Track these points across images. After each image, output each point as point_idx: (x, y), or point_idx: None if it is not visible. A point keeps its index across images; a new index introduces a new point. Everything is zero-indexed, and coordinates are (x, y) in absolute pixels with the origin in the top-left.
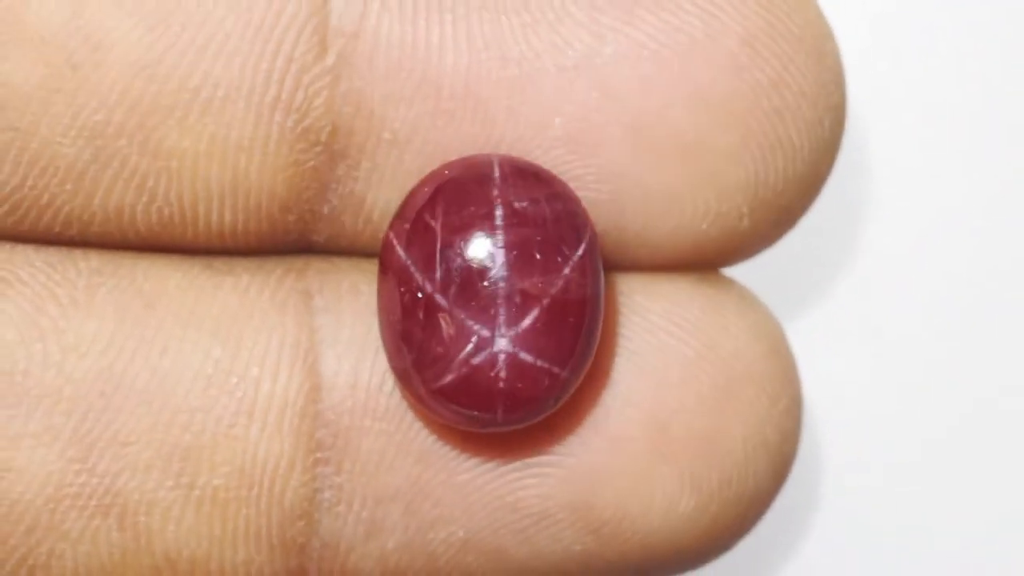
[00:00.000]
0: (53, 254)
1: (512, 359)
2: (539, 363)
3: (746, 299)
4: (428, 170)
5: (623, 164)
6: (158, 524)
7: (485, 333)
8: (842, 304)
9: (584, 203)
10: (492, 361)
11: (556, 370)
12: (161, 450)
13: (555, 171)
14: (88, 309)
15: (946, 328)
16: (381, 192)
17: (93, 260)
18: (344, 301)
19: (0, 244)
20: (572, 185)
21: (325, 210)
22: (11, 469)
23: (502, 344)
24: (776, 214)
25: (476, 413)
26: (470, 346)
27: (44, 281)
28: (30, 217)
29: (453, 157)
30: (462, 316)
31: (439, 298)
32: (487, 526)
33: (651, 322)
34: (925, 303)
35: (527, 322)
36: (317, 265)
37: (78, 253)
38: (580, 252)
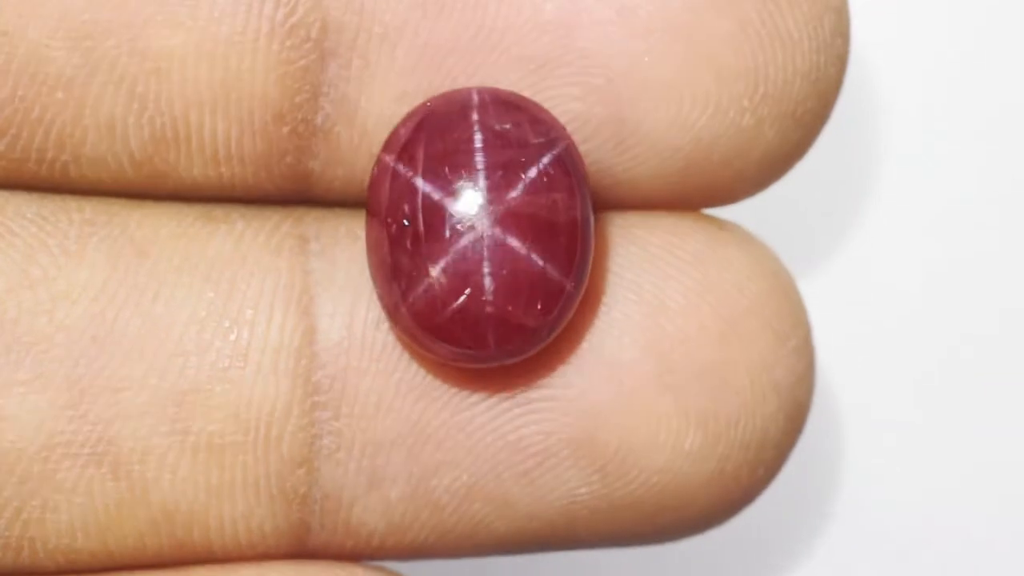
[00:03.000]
0: (46, 205)
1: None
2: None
3: (750, 240)
4: (420, 66)
5: (616, 47)
6: (153, 473)
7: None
8: (853, 268)
9: (581, 91)
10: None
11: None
12: (155, 396)
13: (546, 58)
14: (80, 258)
15: (956, 301)
16: (375, 95)
17: (86, 211)
18: (340, 246)
19: None
20: (565, 72)
21: (319, 119)
22: (2, 417)
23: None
24: (782, 118)
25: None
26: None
27: (35, 232)
28: (22, 139)
29: (444, 49)
30: (446, 238)
31: (423, 221)
32: (491, 469)
33: (649, 252)
34: (936, 273)
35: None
36: (315, 213)
37: (71, 204)
38: (554, 154)
